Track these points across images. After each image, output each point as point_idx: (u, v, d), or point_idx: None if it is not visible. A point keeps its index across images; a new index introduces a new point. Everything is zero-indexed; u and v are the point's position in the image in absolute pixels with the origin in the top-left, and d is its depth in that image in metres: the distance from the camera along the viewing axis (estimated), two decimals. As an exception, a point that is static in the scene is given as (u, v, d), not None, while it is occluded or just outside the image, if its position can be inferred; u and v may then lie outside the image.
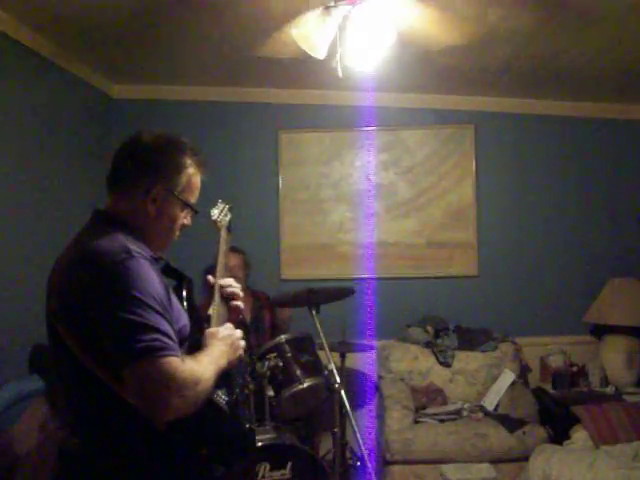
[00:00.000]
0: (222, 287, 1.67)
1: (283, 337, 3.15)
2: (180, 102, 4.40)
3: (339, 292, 3.37)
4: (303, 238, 4.45)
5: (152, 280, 1.33)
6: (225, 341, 1.47)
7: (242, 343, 1.54)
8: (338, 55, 2.68)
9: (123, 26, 3.15)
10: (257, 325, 3.79)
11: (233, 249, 3.81)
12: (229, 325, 1.56)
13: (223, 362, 1.42)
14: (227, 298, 1.66)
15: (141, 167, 1.49)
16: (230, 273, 3.94)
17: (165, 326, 1.29)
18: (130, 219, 1.47)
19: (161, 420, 1.27)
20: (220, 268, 1.76)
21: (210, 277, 1.70)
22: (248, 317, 3.82)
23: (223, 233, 1.88)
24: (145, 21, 3.08)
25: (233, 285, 1.69)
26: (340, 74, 2.73)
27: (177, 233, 1.56)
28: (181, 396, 1.23)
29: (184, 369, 1.25)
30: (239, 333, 1.55)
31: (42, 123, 3.40)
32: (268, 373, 2.93)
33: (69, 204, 3.49)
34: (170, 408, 1.22)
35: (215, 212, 1.91)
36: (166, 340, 1.26)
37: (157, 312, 1.28)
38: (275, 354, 3.01)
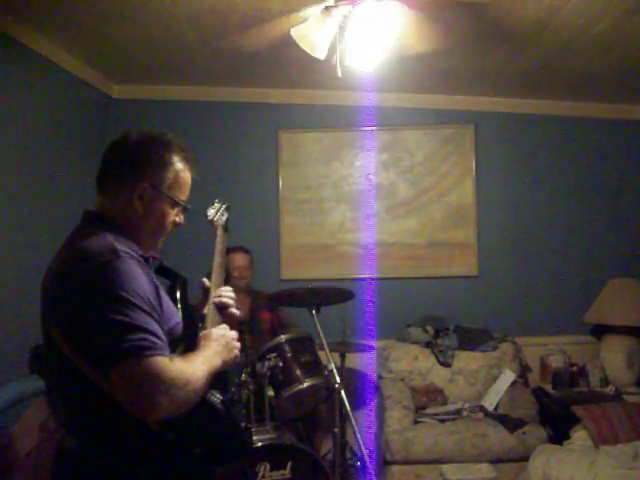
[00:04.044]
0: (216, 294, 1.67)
1: (283, 337, 3.15)
2: (180, 102, 4.40)
3: (339, 295, 3.37)
4: (303, 238, 4.45)
5: (140, 280, 1.33)
6: (219, 341, 1.47)
7: (237, 344, 1.54)
8: (338, 55, 2.69)
9: (123, 26, 3.15)
10: (254, 325, 3.78)
11: (241, 249, 3.80)
12: (224, 326, 1.56)
13: (217, 362, 1.42)
14: (219, 307, 1.66)
15: (126, 165, 1.49)
16: (238, 273, 3.95)
17: (153, 326, 1.29)
18: (119, 218, 1.46)
19: (150, 420, 1.26)
20: (216, 267, 1.77)
21: (205, 280, 1.70)
22: (247, 316, 3.81)
23: (220, 233, 1.89)
24: (145, 21, 3.08)
25: (223, 295, 1.68)
26: (340, 74, 2.73)
27: (168, 230, 1.55)
28: (169, 395, 1.23)
29: (172, 369, 1.25)
30: (234, 334, 1.55)
31: (42, 123, 3.40)
32: (268, 373, 2.93)
33: (69, 204, 3.49)
34: (158, 408, 1.22)
35: (211, 212, 1.91)
36: (154, 339, 1.26)
37: (145, 312, 1.28)
38: (275, 354, 3.01)
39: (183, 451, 1.36)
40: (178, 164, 1.52)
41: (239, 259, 3.78)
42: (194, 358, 1.36)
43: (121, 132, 1.57)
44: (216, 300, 1.66)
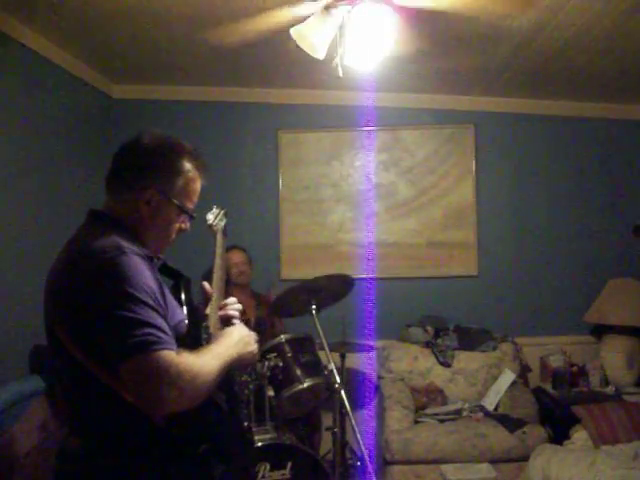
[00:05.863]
0: (223, 306, 1.67)
1: (283, 337, 3.15)
2: (180, 102, 4.40)
3: (339, 283, 3.27)
4: (303, 238, 4.45)
5: (145, 276, 1.33)
6: (232, 336, 1.48)
7: (253, 340, 1.55)
8: (338, 55, 2.69)
9: (123, 26, 3.15)
10: (259, 326, 3.78)
11: (235, 246, 3.85)
12: (241, 324, 1.58)
13: (231, 354, 1.42)
14: (225, 320, 1.65)
15: (137, 168, 1.48)
16: (236, 269, 3.99)
17: (158, 320, 1.29)
18: (125, 220, 1.46)
19: (159, 414, 1.27)
20: (217, 270, 1.78)
21: (206, 283, 1.70)
22: (252, 318, 3.81)
23: (219, 237, 1.91)
24: (145, 21, 3.08)
25: (228, 309, 1.67)
26: (340, 74, 2.73)
27: (173, 237, 1.55)
28: (177, 389, 1.23)
29: (180, 362, 1.26)
30: (252, 333, 1.56)
31: (42, 123, 3.40)
32: (268, 373, 2.94)
33: (69, 204, 3.49)
34: (166, 401, 1.23)
35: (210, 217, 1.94)
36: (160, 334, 1.26)
37: (150, 307, 1.29)
38: (275, 354, 3.02)
39: (187, 449, 1.37)
40: (189, 172, 1.51)
41: (236, 256, 3.82)
42: (205, 352, 1.37)
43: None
44: (226, 314, 1.65)
